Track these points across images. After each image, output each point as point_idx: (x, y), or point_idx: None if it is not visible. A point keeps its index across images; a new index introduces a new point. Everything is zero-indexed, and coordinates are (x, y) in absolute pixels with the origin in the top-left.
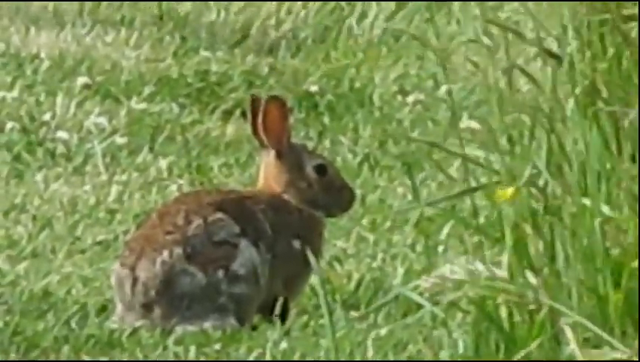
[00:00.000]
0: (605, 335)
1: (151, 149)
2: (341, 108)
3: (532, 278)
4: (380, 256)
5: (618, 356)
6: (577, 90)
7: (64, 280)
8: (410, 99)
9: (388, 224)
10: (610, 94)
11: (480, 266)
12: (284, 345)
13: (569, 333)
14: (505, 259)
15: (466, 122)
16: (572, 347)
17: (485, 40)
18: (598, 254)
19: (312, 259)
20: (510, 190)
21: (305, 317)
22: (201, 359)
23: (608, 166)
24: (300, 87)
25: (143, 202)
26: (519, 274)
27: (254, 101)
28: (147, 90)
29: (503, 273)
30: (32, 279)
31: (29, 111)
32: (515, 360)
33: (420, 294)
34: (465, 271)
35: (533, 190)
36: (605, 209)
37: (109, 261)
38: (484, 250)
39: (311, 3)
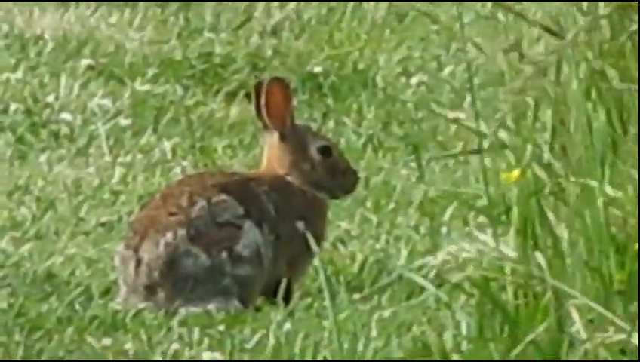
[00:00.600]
0: (610, 315)
1: (155, 131)
2: (345, 90)
3: (539, 258)
4: (383, 237)
5: (623, 337)
6: (581, 71)
7: (68, 261)
8: (414, 80)
9: (392, 205)
10: (615, 75)
11: (487, 241)
12: (287, 326)
13: (575, 315)
14: (510, 239)
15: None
16: (577, 327)
17: (490, 21)
18: (601, 235)
19: (312, 242)
20: (516, 172)
21: (309, 299)
22: (205, 340)
23: (612, 147)
24: (304, 68)
25: (147, 184)
26: (524, 254)
27: (258, 83)
28: (151, 72)
29: (509, 251)
30: (35, 260)
31: (33, 92)
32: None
33: (424, 276)
34: (473, 248)
35: (538, 171)
36: (609, 189)
37: (113, 242)
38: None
39: None
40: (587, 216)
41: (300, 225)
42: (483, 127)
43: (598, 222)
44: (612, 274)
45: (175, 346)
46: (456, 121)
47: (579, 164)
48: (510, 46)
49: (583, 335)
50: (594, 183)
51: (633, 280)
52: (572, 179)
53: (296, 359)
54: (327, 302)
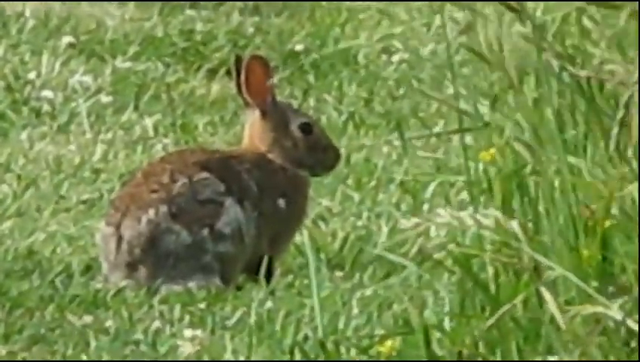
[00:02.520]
0: (592, 291)
1: (136, 108)
2: (326, 67)
3: (518, 231)
4: (365, 214)
5: (600, 310)
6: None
7: (49, 238)
8: (396, 58)
9: (373, 183)
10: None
11: (466, 214)
12: (268, 304)
13: (547, 295)
14: (492, 212)
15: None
16: (551, 307)
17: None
18: (576, 214)
19: (294, 219)
20: (492, 150)
21: (290, 277)
22: (186, 318)
23: (589, 126)
24: (285, 46)
25: (128, 161)
26: (504, 231)
27: (237, 60)
28: (132, 49)
29: (490, 221)
30: (16, 238)
31: (14, 69)
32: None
33: (405, 253)
34: (451, 218)
35: (518, 148)
36: (586, 166)
37: (94, 220)
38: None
39: None
40: (565, 193)
41: (282, 202)
42: (464, 105)
43: (571, 199)
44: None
45: (156, 324)
46: (439, 100)
47: (557, 142)
48: (462, 30)
49: (558, 314)
50: (572, 160)
51: (606, 257)
52: (549, 157)
53: (278, 337)
54: (311, 281)
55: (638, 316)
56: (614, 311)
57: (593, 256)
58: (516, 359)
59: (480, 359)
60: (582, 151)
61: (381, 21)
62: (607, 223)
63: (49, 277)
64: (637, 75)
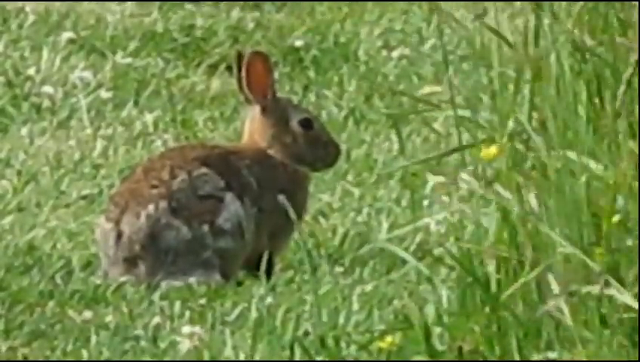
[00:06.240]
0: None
1: (136, 104)
2: (326, 63)
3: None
4: (365, 210)
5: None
6: (561, 44)
7: (49, 234)
8: (395, 53)
9: (373, 178)
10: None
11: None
12: (269, 300)
13: (552, 282)
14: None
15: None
16: (557, 298)
17: None
18: (581, 209)
19: (293, 215)
20: (493, 148)
21: (290, 273)
22: (186, 313)
23: (591, 120)
24: (285, 41)
25: (128, 156)
26: (505, 229)
27: (239, 55)
28: (132, 45)
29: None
30: (17, 233)
31: (14, 65)
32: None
33: (405, 249)
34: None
35: (519, 145)
36: (591, 163)
37: (94, 215)
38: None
39: None
40: (568, 189)
41: (282, 198)
42: (460, 100)
43: (577, 195)
44: (591, 249)
45: (156, 319)
46: (430, 103)
47: (559, 137)
48: (477, 15)
49: (563, 307)
50: (573, 156)
51: (613, 254)
52: (552, 152)
53: (278, 332)
54: (309, 276)
55: (638, 314)
56: (623, 294)
57: (601, 252)
58: (516, 355)
59: (480, 355)
60: (585, 148)
61: (381, 16)
62: (614, 219)
63: (49, 272)
64: (637, 73)
